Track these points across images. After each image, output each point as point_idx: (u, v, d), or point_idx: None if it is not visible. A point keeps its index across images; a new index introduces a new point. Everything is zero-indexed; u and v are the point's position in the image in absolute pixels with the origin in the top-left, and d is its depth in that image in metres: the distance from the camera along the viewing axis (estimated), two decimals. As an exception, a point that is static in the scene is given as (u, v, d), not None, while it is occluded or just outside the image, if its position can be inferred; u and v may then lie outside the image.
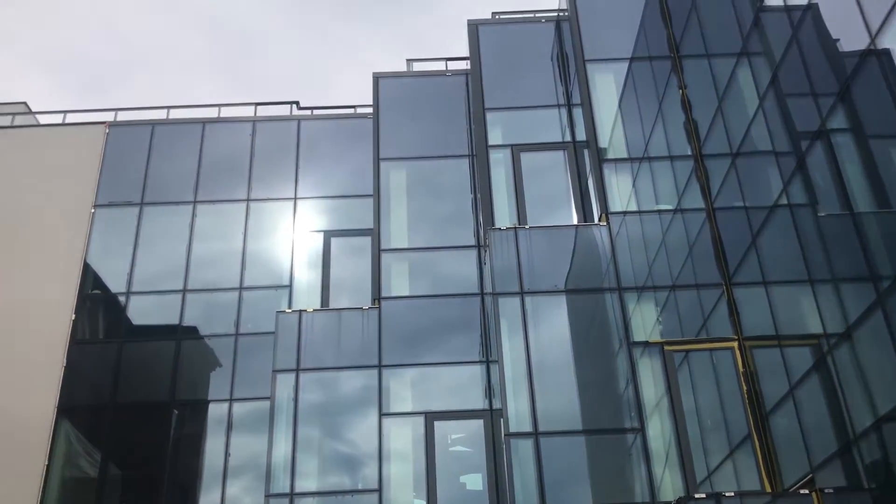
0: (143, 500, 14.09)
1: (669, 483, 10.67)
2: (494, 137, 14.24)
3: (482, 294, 14.04)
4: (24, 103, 20.39)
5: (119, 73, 53.32)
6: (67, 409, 14.49)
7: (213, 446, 14.35)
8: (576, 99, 14.24)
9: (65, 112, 17.82)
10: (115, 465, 14.34)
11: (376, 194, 15.20)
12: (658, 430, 11.13)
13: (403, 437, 13.12)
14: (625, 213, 12.54)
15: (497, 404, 12.92)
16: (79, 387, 14.71)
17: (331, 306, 15.06)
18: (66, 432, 14.42)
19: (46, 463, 13.96)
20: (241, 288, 15.67)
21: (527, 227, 12.71)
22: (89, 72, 52.56)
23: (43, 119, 19.11)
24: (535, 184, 13.70)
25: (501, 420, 12.43)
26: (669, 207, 12.03)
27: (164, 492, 13.97)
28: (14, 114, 18.54)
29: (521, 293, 11.94)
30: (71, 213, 16.21)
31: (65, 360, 14.81)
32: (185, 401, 14.78)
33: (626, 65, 13.44)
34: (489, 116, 14.40)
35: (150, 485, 14.14)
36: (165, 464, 14.21)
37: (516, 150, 13.99)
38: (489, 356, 13.43)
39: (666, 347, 11.21)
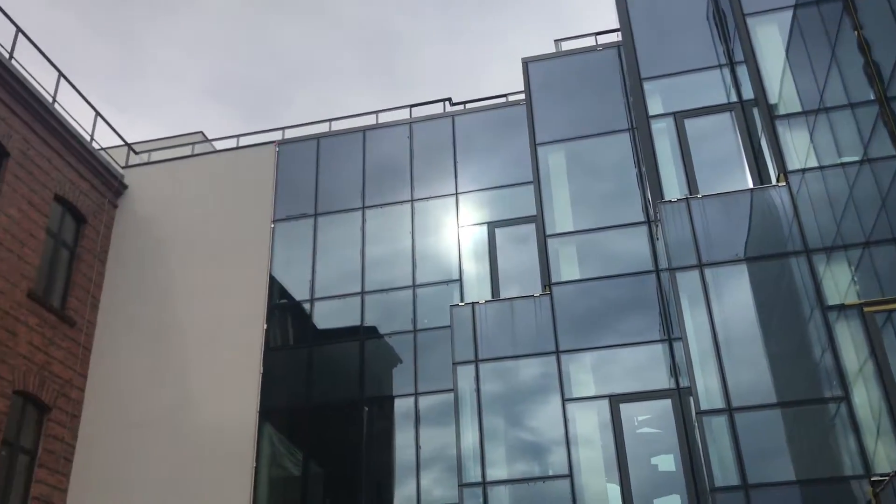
0: (344, 496, 14.77)
1: (884, 454, 9.92)
2: (654, 107, 13.77)
3: (657, 271, 13.64)
4: (201, 132, 21.94)
5: (281, 93, 56.25)
6: (268, 412, 15.47)
7: (401, 440, 14.83)
8: (738, 56, 13.51)
9: (237, 136, 19.01)
10: (317, 464, 15.14)
11: (536, 180, 15.13)
12: (864, 398, 10.38)
13: (588, 422, 12.99)
14: (804, 170, 11.76)
15: (684, 382, 12.52)
16: (276, 391, 15.66)
17: (501, 296, 15.15)
18: (269, 434, 15.39)
19: (254, 464, 14.97)
20: (414, 286, 16.09)
21: (699, 196, 12.22)
22: (254, 95, 55.78)
23: (218, 145, 20.49)
24: (703, 150, 13.14)
25: (690, 398, 12.03)
26: (854, 159, 11.17)
27: (363, 488, 14.59)
28: (193, 143, 19.99)
29: (700, 266, 11.49)
30: (253, 230, 17.27)
31: (262, 367, 15.81)
32: (373, 398, 15.36)
33: (790, 13, 12.59)
34: (647, 86, 13.95)
35: (348, 481, 14.81)
36: (361, 460, 14.83)
37: (679, 117, 13.47)
38: (671, 334, 13.03)
39: (866, 309, 10.41)
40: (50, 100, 16.54)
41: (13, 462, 14.48)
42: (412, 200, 16.98)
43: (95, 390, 16.34)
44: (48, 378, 15.39)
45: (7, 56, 15.42)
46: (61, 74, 17.18)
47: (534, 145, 15.39)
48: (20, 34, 16.05)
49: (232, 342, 16.15)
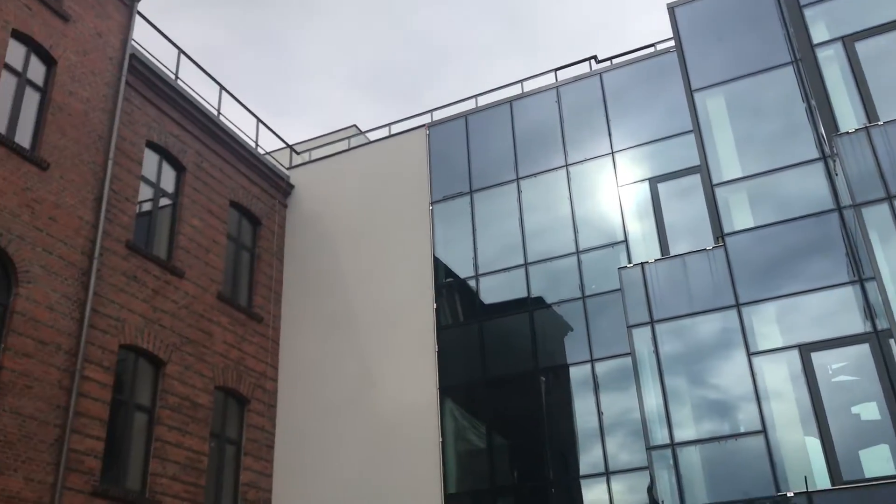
0: (530, 466, 14.91)
1: None
2: (819, 34, 12.78)
3: (839, 209, 12.70)
4: (355, 126, 22.64)
5: (427, 76, 57.07)
6: (447, 388, 15.84)
7: (581, 408, 14.74)
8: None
9: (388, 125, 19.45)
10: (500, 436, 15.36)
11: (696, 128, 14.47)
12: None
13: (778, 374, 12.35)
14: None
15: (882, 324, 11.62)
16: (453, 368, 16.00)
17: (671, 253, 14.67)
18: (451, 410, 15.76)
19: (440, 440, 15.39)
20: (577, 252, 15.89)
21: (880, 123, 11.24)
22: (401, 82, 56.91)
23: (372, 135, 21.06)
24: (879, 74, 12.05)
25: (891, 340, 11.17)
26: None
27: (548, 457, 14.65)
28: (348, 137, 20.66)
29: (889, 198, 10.59)
30: (413, 214, 17.67)
31: (436, 346, 16.19)
32: (548, 367, 15.35)
33: None
34: (808, 12, 12.96)
35: (532, 451, 14.92)
36: (543, 429, 14.89)
37: (848, 41, 12.42)
38: (861, 274, 12.12)
39: None
40: (216, 113, 17.60)
41: (222, 452, 15.67)
42: (567, 165, 16.74)
43: (287, 380, 17.36)
44: (244, 372, 16.50)
45: (174, 77, 16.53)
46: (223, 88, 18.23)
47: (689, 92, 14.72)
48: (182, 55, 17.14)
49: (405, 324, 16.64)
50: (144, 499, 13.34)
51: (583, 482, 14.23)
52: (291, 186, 19.39)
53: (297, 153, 20.73)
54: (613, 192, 16.04)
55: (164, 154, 16.05)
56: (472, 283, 16.64)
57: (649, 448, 12.55)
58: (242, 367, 16.51)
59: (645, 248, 15.22)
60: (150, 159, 15.70)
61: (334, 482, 15.85)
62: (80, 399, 12.60)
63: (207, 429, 15.16)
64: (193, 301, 15.63)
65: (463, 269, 16.82)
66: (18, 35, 13.22)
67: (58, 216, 13.03)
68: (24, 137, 12.95)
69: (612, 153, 16.37)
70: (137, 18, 15.81)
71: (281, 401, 17.21)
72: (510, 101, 17.90)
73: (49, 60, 13.74)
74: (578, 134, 16.89)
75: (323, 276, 18.03)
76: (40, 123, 13.27)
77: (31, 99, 13.30)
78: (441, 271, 16.99)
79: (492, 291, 16.44)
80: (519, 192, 16.94)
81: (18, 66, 13.17)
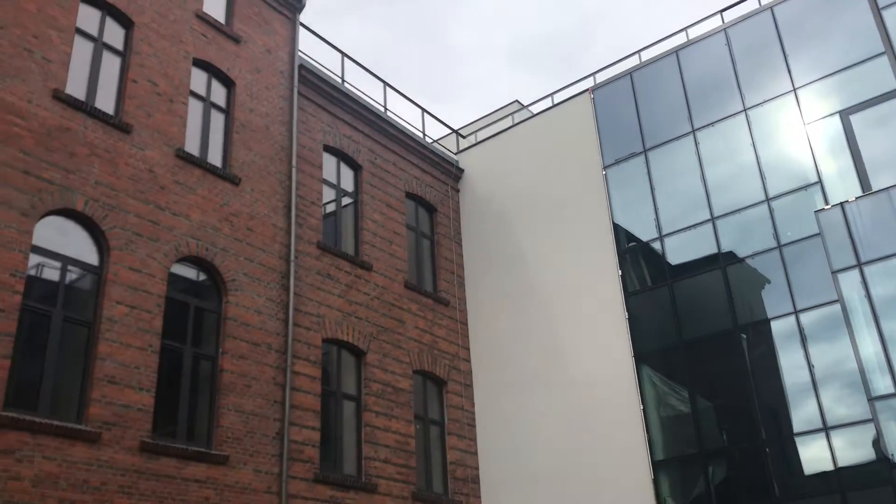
0: (739, 427, 14.30)
1: None
2: None
3: None
4: (517, 101, 22.56)
5: (583, 39, 55.90)
6: (642, 355, 15.49)
7: (787, 362, 13.93)
8: None
9: (551, 95, 19.20)
10: (704, 398, 14.83)
11: (889, 49, 13.17)
12: None
13: None
14: None
15: None
16: (645, 333, 15.61)
17: (872, 188, 13.49)
18: (648, 376, 15.40)
19: (641, 407, 15.10)
20: (767, 199, 14.99)
21: None
22: (557, 50, 56.10)
23: (535, 108, 20.90)
24: None
25: None
26: None
27: (757, 416, 13.98)
28: (511, 114, 20.62)
29: None
30: (586, 181, 17.36)
31: (626, 313, 15.87)
32: (747, 324, 14.63)
33: None
34: None
35: (740, 411, 14.29)
36: (748, 388, 14.21)
37: None
38: None
39: None
40: (383, 109, 18.15)
41: (427, 433, 16.23)
42: (745, 110, 15.80)
43: (480, 359, 17.68)
44: (438, 355, 16.98)
45: (340, 81, 17.20)
46: (386, 84, 18.75)
47: (877, 10, 13.41)
48: (345, 58, 17.80)
49: (591, 293, 16.42)
50: (361, 482, 14.09)
51: (798, 440, 13.47)
52: (461, 170, 19.64)
53: (464, 137, 20.96)
54: (800, 131, 14.96)
55: (341, 156, 16.76)
56: (656, 245, 16.14)
57: (871, 399, 11.66)
58: (436, 350, 17.00)
59: (842, 186, 14.10)
60: (329, 162, 16.45)
61: (538, 455, 15.98)
62: (293, 393, 13.48)
63: (411, 412, 15.76)
64: (383, 291, 16.26)
65: (645, 232, 16.34)
66: (199, 63, 14.25)
67: (254, 226, 13.96)
68: (215, 157, 13.97)
69: (794, 90, 15.25)
70: (300, 29, 16.56)
71: (476, 380, 17.56)
72: (676, 52, 17.13)
73: (228, 82, 14.71)
74: (754, 75, 15.88)
75: (502, 255, 18.16)
76: (227, 142, 14.26)
77: (217, 120, 14.31)
78: (622, 236, 16.60)
79: (679, 251, 15.87)
80: (696, 144, 16.20)
81: (202, 92, 14.20)
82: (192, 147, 13.58)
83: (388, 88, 18.80)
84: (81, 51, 12.38)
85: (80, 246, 11.39)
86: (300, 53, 16.27)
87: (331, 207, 16.17)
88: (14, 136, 10.88)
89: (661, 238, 16.06)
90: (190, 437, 11.96)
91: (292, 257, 14.30)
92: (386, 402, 15.26)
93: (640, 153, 16.88)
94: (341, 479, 13.75)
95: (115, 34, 12.99)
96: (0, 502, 9.32)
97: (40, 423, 9.92)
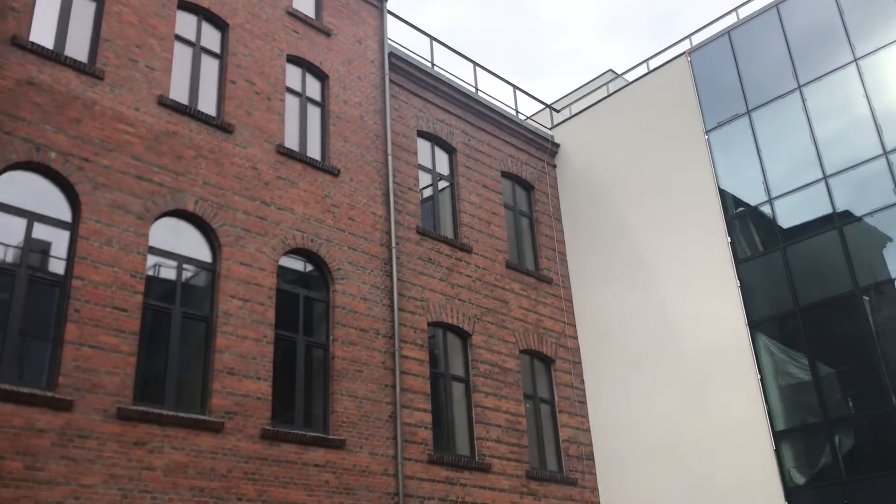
0: (866, 392, 13.63)
1: None
2: None
3: None
4: (610, 70, 22.07)
5: (672, 1, 54.11)
6: (757, 323, 14.95)
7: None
8: None
9: (646, 61, 18.68)
10: (825, 364, 14.21)
11: None
12: None
13: None
14: None
15: None
16: (759, 300, 15.06)
17: None
18: (764, 344, 14.87)
19: (759, 377, 14.60)
20: (885, 153, 14.16)
21: None
22: (648, 13, 54.54)
23: (630, 76, 20.38)
24: None
25: None
26: None
27: (885, 381, 13.28)
28: (606, 83, 20.19)
29: None
30: (688, 147, 16.83)
31: (737, 280, 15.34)
32: (869, 285, 13.90)
33: None
34: None
35: (866, 376, 13.61)
36: (874, 352, 13.51)
37: None
38: None
39: None
40: (474, 90, 18.09)
41: (537, 412, 16.20)
42: (856, 60, 14.93)
43: (586, 336, 17.47)
44: (544, 334, 16.89)
45: (430, 65, 17.24)
46: (476, 65, 18.67)
47: None
48: (434, 42, 17.81)
49: (700, 263, 15.95)
50: (475, 462, 14.20)
51: (933, 406, 12.72)
52: (557, 145, 19.39)
53: (557, 111, 20.67)
54: (918, 78, 14.03)
55: (435, 140, 16.83)
56: (765, 208, 15.52)
57: None
58: (541, 328, 16.91)
59: (969, 132, 13.15)
60: (423, 147, 16.55)
61: (653, 430, 15.71)
62: (403, 377, 13.70)
63: (520, 391, 15.76)
64: (485, 273, 16.27)
65: (753, 196, 15.73)
66: (292, 59, 14.56)
67: (354, 215, 14.21)
68: (314, 150, 14.27)
69: (909, 33, 14.30)
70: (388, 17, 16.67)
71: (584, 357, 17.38)
72: (776, 5, 16.33)
73: (321, 76, 14.98)
74: (864, 22, 14.97)
75: (604, 229, 17.85)
76: (325, 135, 14.54)
77: (314, 114, 14.60)
78: (729, 202, 16.03)
79: (790, 213, 15.21)
80: (803, 100, 15.44)
81: (298, 87, 14.51)
82: (292, 142, 13.92)
83: (477, 68, 18.73)
84: (181, 56, 12.84)
85: (193, 244, 11.87)
86: (389, 41, 16.39)
87: (428, 192, 16.27)
88: (125, 143, 11.41)
89: (770, 201, 15.42)
90: (307, 423, 12.34)
91: (393, 244, 14.49)
92: (494, 383, 15.31)
93: (744, 114, 16.23)
94: (455, 460, 13.90)
95: (211, 37, 13.41)
96: (136, 491, 9.86)
97: (167, 415, 10.43)
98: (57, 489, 9.23)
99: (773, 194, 15.40)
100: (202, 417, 10.80)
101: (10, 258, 9.98)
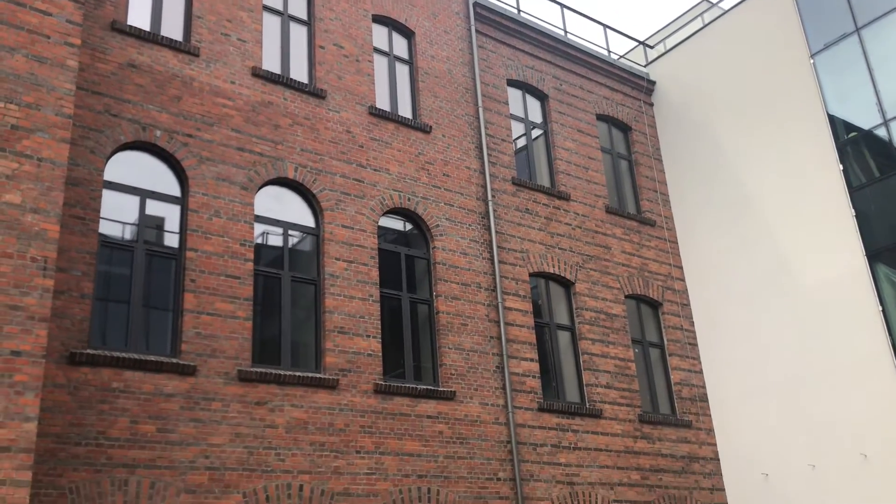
0: None
1: None
2: None
3: None
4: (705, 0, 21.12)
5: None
6: (876, 253, 14.23)
7: None
8: None
9: (742, -15, 17.76)
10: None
11: None
12: None
13: None
14: None
15: None
16: (878, 229, 14.30)
17: None
18: (885, 275, 14.14)
19: (880, 308, 13.92)
20: None
21: None
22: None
23: (724, 4, 19.46)
24: None
25: None
26: None
27: None
28: (700, 14, 19.36)
29: None
30: (793, 73, 15.98)
31: (852, 210, 14.59)
32: None
33: None
34: None
35: None
36: None
37: None
38: None
39: None
40: (562, 33, 17.68)
41: (647, 356, 16.01)
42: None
43: (693, 277, 17.06)
44: (649, 277, 16.60)
45: (516, 11, 16.94)
46: (563, 6, 18.21)
47: None
48: (518, -12, 17.46)
49: (810, 194, 15.25)
50: (586, 408, 14.22)
51: None
52: (653, 83, 18.78)
53: (651, 47, 19.99)
54: None
55: (525, 87, 16.59)
56: (880, 131, 14.64)
57: None
58: (646, 272, 16.62)
59: None
60: (514, 96, 16.35)
61: (767, 368, 15.29)
62: (507, 328, 13.78)
63: (628, 337, 15.60)
64: (584, 220, 16.06)
65: (866, 119, 14.85)
66: (378, 18, 14.59)
67: (449, 171, 14.25)
68: (405, 109, 14.34)
69: None
70: (470, -33, 16.42)
71: (693, 298, 17.00)
72: (883, -89, 15.17)
73: (407, 33, 14.96)
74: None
75: (707, 166, 17.27)
76: (414, 92, 14.57)
77: (402, 72, 14.64)
78: (840, 128, 15.19)
79: (908, 135, 14.29)
80: (918, 12, 14.36)
81: (385, 47, 14.56)
82: (383, 102, 14.02)
83: (565, 10, 18.28)
84: (271, 26, 13.08)
85: (296, 211, 12.21)
86: (472, -9, 16.18)
87: (521, 142, 16.11)
88: (224, 116, 11.78)
89: (885, 123, 14.53)
90: (417, 376, 12.63)
91: (489, 197, 14.47)
92: (601, 329, 15.21)
93: (853, 32, 15.25)
94: (565, 407, 13.95)
95: (298, 4, 13.58)
96: (261, 448, 10.38)
97: (285, 374, 10.88)
98: (188, 449, 9.82)
99: (889, 115, 14.49)
100: (318, 375, 11.22)
101: (127, 235, 10.55)
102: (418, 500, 11.59)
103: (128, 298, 10.25)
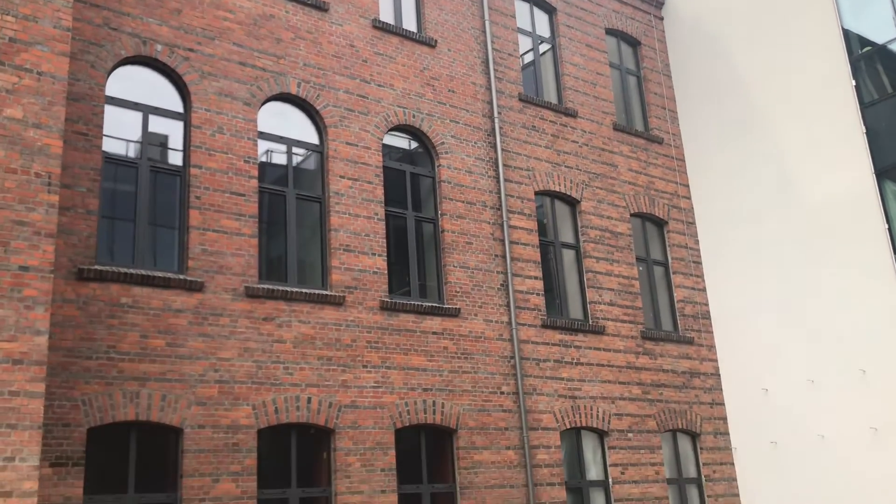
0: None
1: None
2: None
3: None
4: None
5: None
6: (884, 170, 14.10)
7: None
8: None
9: None
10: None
11: None
12: None
13: None
14: None
15: None
16: (886, 146, 14.14)
17: None
18: (893, 192, 14.06)
19: (886, 225, 13.89)
20: None
21: None
22: None
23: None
24: None
25: None
26: None
27: None
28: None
29: None
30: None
31: (863, 126, 14.38)
32: None
33: None
34: None
35: None
36: None
37: None
38: None
39: None
40: (571, -57, 17.15)
41: (650, 274, 16.10)
42: None
43: (701, 195, 16.99)
44: (655, 196, 16.54)
45: (523, -80, 16.38)
46: (572, -85, 17.59)
47: None
48: None
49: (820, 110, 15.01)
50: (589, 325, 14.38)
51: None
52: (664, -4, 18.31)
53: (663, -41, 19.38)
54: None
55: (533, 0, 16.18)
56: (895, 45, 14.31)
57: None
58: (653, 190, 16.55)
59: None
60: (522, 10, 15.96)
61: (772, 285, 15.37)
62: (512, 247, 13.82)
63: (632, 255, 15.65)
64: (592, 137, 15.90)
65: (881, 33, 14.50)
66: (381, -72, 14.14)
67: (454, 87, 14.04)
68: (409, 22, 14.03)
69: None
70: None
71: (699, 217, 16.98)
72: None
73: (411, -57, 14.52)
74: None
75: (716, 82, 16.98)
76: (419, 4, 14.22)
77: (407, -15, 14.27)
78: (854, 42, 14.85)
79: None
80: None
81: (389, -42, 14.16)
82: (387, 15, 13.71)
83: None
84: (271, -63, 12.70)
85: (299, 127, 12.10)
86: None
87: (528, 57, 15.81)
88: (226, 30, 11.55)
89: (901, 37, 14.20)
90: (423, 294, 12.74)
91: (496, 114, 14.30)
92: (605, 248, 15.24)
93: (871, -58, 14.76)
94: (569, 324, 14.11)
95: (298, -86, 13.15)
96: (269, 362, 10.57)
97: (292, 291, 10.99)
98: (198, 363, 10.00)
99: (906, 29, 14.15)
100: (324, 292, 11.32)
101: (131, 152, 10.49)
102: (423, 412, 11.85)
103: (133, 216, 10.27)
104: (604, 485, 13.74)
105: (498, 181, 14.00)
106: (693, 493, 15.07)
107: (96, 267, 9.51)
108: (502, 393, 12.86)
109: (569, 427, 13.49)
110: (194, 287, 10.18)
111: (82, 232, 9.58)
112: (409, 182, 13.16)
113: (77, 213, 9.58)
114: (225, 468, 9.85)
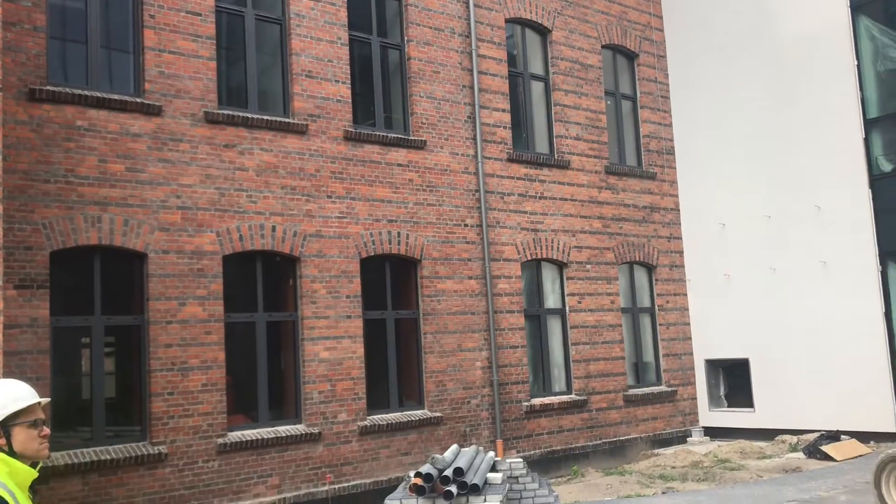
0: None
1: None
2: None
3: None
4: None
5: None
6: (860, 4, 13.83)
7: None
8: None
9: None
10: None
11: None
12: None
13: None
14: None
15: None
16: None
17: None
18: (866, 28, 13.85)
19: (856, 62, 13.79)
20: None
21: None
22: None
23: None
24: None
25: None
26: None
27: None
28: None
29: None
30: None
31: (844, -43, 13.94)
32: None
33: None
34: None
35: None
36: None
37: None
38: None
39: None
40: None
41: (618, 108, 15.97)
42: None
43: (674, 28, 16.60)
44: (628, 27, 16.12)
45: None
46: None
47: None
48: None
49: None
50: (554, 159, 14.39)
51: None
52: None
53: None
54: None
55: None
56: None
57: None
58: (626, 21, 16.11)
59: None
60: None
61: (738, 124, 15.38)
62: (481, 77, 13.52)
63: (601, 88, 15.44)
64: (566, -38, 15.25)
65: None
66: None
67: None
68: None
69: None
70: None
71: (670, 50, 16.67)
72: None
73: None
74: None
75: None
76: None
77: None
78: None
79: None
80: None
81: None
82: None
83: None
84: None
85: (257, -57, 11.39)
86: None
87: None
88: None
89: None
90: (388, 125, 12.55)
91: (467, -67, 13.55)
92: (575, 80, 14.99)
93: None
94: (534, 158, 14.10)
95: None
96: (232, 190, 10.49)
97: (253, 118, 10.74)
98: (159, 189, 9.89)
99: None
100: (286, 120, 11.09)
101: (77, -36, 9.83)
102: (388, 242, 11.99)
103: (85, 35, 9.78)
104: (561, 312, 14.25)
105: (467, 6, 13.48)
106: (646, 321, 15.73)
107: (49, 87, 9.15)
108: (466, 225, 13.00)
109: (529, 259, 13.80)
110: (152, 111, 9.89)
111: (30, 49, 9.13)
112: (374, 4, 12.62)
113: (23, 29, 9.09)
114: (191, 292, 9.98)
